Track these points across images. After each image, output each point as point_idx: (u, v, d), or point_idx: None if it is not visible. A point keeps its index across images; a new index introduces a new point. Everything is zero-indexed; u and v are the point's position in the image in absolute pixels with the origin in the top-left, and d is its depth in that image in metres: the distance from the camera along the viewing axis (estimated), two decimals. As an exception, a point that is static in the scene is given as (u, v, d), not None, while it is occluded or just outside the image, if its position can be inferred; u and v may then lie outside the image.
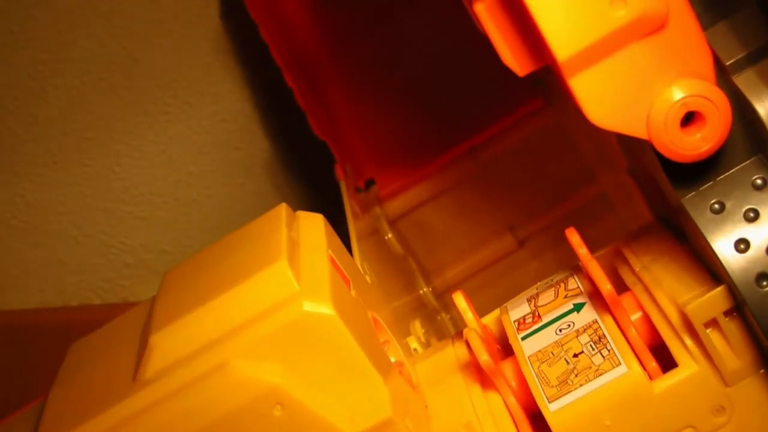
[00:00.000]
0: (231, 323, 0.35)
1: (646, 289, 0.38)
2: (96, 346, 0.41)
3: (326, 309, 0.35)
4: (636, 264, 0.39)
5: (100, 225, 0.65)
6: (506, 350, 0.41)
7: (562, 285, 0.41)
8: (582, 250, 0.38)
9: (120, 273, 0.66)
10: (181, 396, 0.35)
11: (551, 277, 0.43)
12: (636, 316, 0.38)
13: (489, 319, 0.43)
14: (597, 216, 0.55)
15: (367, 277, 0.45)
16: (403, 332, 0.46)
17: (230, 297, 0.35)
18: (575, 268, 0.42)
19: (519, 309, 0.41)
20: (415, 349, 0.45)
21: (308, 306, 0.34)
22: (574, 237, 0.38)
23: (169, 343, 0.35)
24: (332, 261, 0.38)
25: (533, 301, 0.41)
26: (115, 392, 0.36)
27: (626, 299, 0.38)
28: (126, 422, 0.35)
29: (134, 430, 0.35)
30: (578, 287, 0.40)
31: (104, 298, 0.66)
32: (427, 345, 0.46)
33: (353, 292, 0.39)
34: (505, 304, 0.43)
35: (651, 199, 0.41)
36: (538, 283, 0.43)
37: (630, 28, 0.31)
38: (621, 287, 0.39)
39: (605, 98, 0.32)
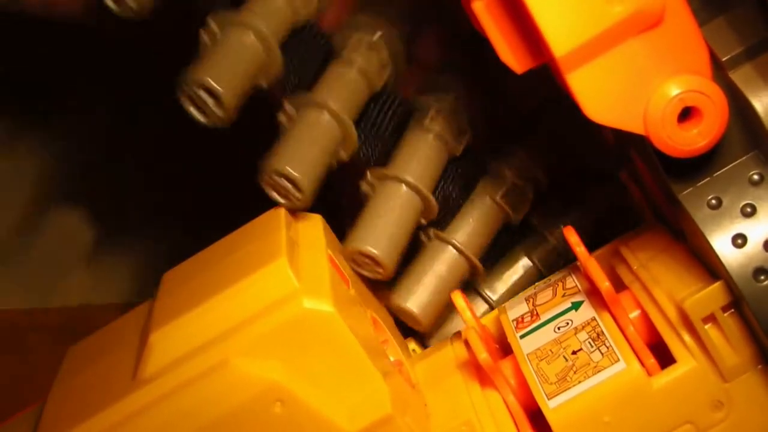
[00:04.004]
0: (231, 321, 0.35)
1: (644, 287, 0.38)
2: (96, 347, 0.41)
3: (326, 306, 0.35)
4: (634, 262, 0.39)
5: (100, 225, 0.65)
6: (505, 350, 0.41)
7: (560, 284, 0.41)
8: (580, 249, 0.38)
9: (120, 273, 0.66)
10: (182, 394, 0.35)
11: (549, 277, 0.43)
12: (634, 313, 0.38)
13: (488, 320, 0.43)
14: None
15: (367, 277, 0.45)
16: (403, 333, 0.46)
17: (230, 295, 0.36)
18: (573, 267, 0.42)
19: (517, 308, 0.42)
20: (414, 350, 0.45)
21: (308, 303, 0.35)
22: (572, 236, 0.39)
23: (169, 341, 0.36)
24: (331, 260, 0.39)
25: (531, 300, 0.42)
26: (114, 391, 0.36)
27: (624, 297, 0.38)
28: (126, 421, 0.35)
29: (134, 429, 0.35)
30: (576, 286, 0.40)
31: (104, 298, 0.66)
32: (425, 347, 0.46)
33: (352, 291, 0.39)
34: (503, 304, 0.43)
35: (649, 199, 0.42)
36: (537, 283, 0.43)
37: (627, 24, 0.31)
38: (619, 286, 0.39)
39: (603, 94, 0.32)
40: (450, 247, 0.44)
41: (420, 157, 0.44)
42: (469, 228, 0.45)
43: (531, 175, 0.46)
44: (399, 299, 0.43)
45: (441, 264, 0.44)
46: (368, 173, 0.43)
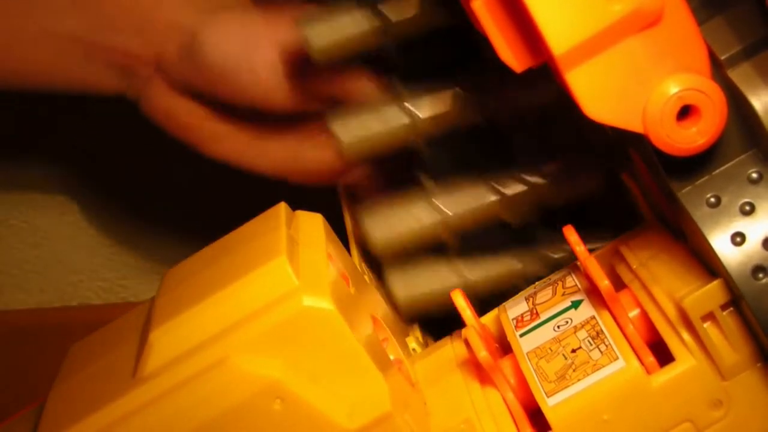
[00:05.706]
0: (231, 319, 0.35)
1: (644, 286, 0.38)
2: (96, 346, 0.41)
3: (325, 304, 0.35)
4: (633, 261, 0.39)
5: (100, 225, 0.65)
6: (505, 349, 0.41)
7: (560, 283, 0.41)
8: (580, 248, 0.38)
9: (120, 273, 0.66)
10: (182, 392, 0.35)
11: (549, 276, 0.43)
12: (633, 312, 0.38)
13: (487, 319, 0.43)
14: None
15: (366, 277, 0.45)
16: (402, 332, 0.46)
17: (230, 293, 0.36)
18: (573, 266, 0.42)
19: (517, 307, 0.42)
20: (413, 349, 0.45)
21: (308, 301, 0.35)
22: (571, 235, 0.39)
23: (169, 339, 0.36)
24: (331, 259, 0.39)
25: (531, 299, 0.42)
26: (114, 389, 0.36)
27: (624, 296, 0.38)
28: (125, 418, 0.35)
29: (134, 427, 0.35)
30: (576, 285, 0.40)
31: (104, 298, 0.66)
32: (425, 346, 0.46)
33: (352, 290, 0.39)
34: (503, 304, 0.43)
35: (648, 199, 0.42)
36: (536, 283, 0.43)
37: (626, 22, 0.31)
38: (619, 285, 0.39)
39: (602, 92, 0.32)
40: None
41: None
42: None
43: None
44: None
45: None
46: None
